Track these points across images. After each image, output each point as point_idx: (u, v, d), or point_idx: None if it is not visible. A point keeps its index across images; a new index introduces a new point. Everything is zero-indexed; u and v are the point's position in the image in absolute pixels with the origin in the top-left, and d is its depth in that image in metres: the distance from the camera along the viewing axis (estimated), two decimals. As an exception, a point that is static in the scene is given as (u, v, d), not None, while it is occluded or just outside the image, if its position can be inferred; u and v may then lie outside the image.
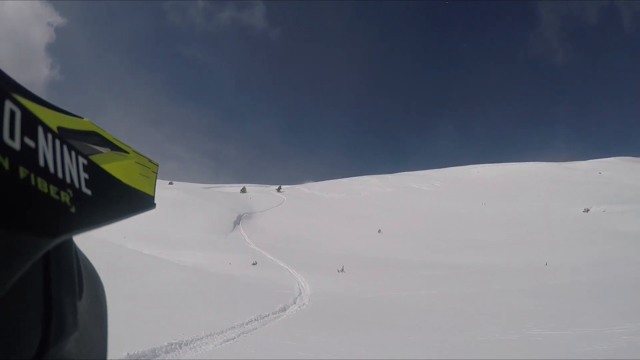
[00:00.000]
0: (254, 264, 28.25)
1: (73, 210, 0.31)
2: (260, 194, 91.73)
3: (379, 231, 46.46)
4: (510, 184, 78.99)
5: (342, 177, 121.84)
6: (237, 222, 54.19)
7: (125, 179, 0.47)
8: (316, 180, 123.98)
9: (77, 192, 0.33)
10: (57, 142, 0.32)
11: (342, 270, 26.11)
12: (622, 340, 7.34)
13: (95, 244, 32.79)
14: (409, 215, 57.36)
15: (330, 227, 50.85)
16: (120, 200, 0.44)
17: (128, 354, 5.70)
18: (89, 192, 0.35)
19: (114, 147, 0.51)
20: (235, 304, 13.21)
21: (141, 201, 0.50)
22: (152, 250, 32.42)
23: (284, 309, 12.92)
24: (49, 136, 0.30)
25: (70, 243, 0.42)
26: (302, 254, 34.32)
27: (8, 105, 0.26)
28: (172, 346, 6.68)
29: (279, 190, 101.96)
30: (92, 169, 0.37)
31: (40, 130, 0.29)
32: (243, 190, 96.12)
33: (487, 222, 48.29)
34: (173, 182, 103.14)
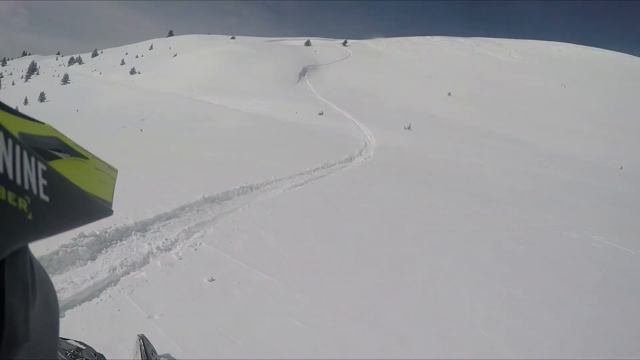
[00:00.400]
0: (320, 114, 28.37)
1: (30, 217, 0.31)
2: (325, 47, 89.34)
3: (449, 94, 44.75)
4: (594, 72, 70.83)
5: (411, 35, 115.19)
6: (303, 73, 53.69)
7: (83, 185, 0.45)
8: (383, 36, 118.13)
9: (35, 198, 0.32)
10: (17, 148, 0.31)
11: (409, 127, 25.77)
12: None
13: (165, 97, 33.99)
14: (481, 83, 54.26)
15: (398, 84, 49.46)
16: (78, 206, 0.42)
17: (203, 196, 5.93)
18: (46, 198, 0.34)
19: (73, 153, 0.50)
20: (302, 151, 13.52)
21: (99, 208, 0.48)
22: (220, 101, 33.17)
23: (350, 159, 13.05)
24: (10, 142, 0.30)
25: (26, 250, 0.40)
26: (369, 107, 33.98)
27: None
28: (244, 189, 6.92)
29: (344, 44, 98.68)
30: (51, 175, 0.36)
31: (0, 135, 0.29)
32: (307, 44, 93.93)
33: (563, 106, 44.87)
34: (235, 37, 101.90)
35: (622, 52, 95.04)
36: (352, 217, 6.16)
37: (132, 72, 62.64)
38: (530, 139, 27.88)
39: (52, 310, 0.50)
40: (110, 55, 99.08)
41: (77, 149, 0.51)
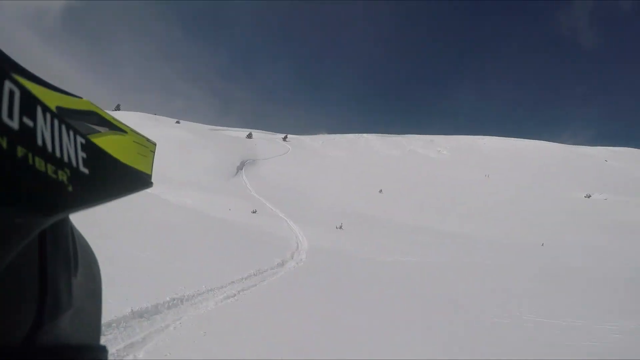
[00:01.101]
0: (254, 212, 28.42)
1: (70, 189, 0.32)
2: (265, 141, 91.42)
3: (380, 191, 46.59)
4: (516, 160, 78.48)
5: (348, 132, 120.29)
6: (241, 167, 54.20)
7: (122, 158, 0.47)
8: (321, 132, 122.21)
9: (75, 171, 0.33)
10: (56, 122, 0.32)
11: (341, 227, 26.31)
12: (612, 339, 7.48)
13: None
14: (412, 179, 57.40)
15: (332, 182, 50.95)
16: (118, 179, 0.44)
17: (132, 310, 5.79)
18: (86, 171, 0.35)
19: (112, 127, 0.52)
20: (234, 254, 13.34)
21: (138, 180, 0.51)
22: (154, 190, 32.65)
23: (282, 264, 13.09)
24: (48, 116, 0.31)
25: (67, 221, 0.42)
26: (302, 206, 34.55)
27: (7, 85, 0.26)
28: (174, 301, 6.78)
29: (285, 139, 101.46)
30: (90, 148, 0.37)
31: (39, 109, 0.29)
32: (249, 136, 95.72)
33: (488, 195, 48.35)
34: (180, 121, 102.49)
35: (538, 139, 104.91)
36: (286, 337, 6.18)
37: None
38: (457, 229, 29.38)
39: (95, 281, 0.54)
40: None
41: (115, 122, 0.54)
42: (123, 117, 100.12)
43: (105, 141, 0.47)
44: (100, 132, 0.48)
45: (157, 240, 13.40)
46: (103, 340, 3.26)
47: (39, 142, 0.29)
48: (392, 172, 62.91)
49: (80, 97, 0.47)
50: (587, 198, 48.41)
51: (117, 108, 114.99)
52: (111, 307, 5.71)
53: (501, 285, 12.77)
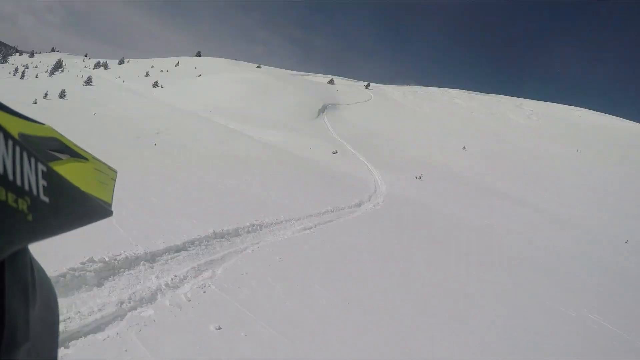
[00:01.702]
0: (334, 152, 28.48)
1: (30, 218, 0.31)
2: (347, 88, 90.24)
3: (464, 148, 44.96)
4: (613, 140, 70.74)
5: (432, 85, 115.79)
6: (322, 110, 54.16)
7: (83, 186, 0.46)
8: (404, 84, 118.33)
9: (35, 199, 0.32)
10: (17, 149, 0.31)
11: (420, 178, 25.77)
12: None
13: (183, 114, 34.32)
14: (497, 141, 54.53)
15: (414, 132, 49.65)
16: (78, 207, 0.43)
17: (214, 231, 5.91)
18: (46, 199, 0.34)
19: (73, 154, 0.51)
20: (313, 190, 13.54)
21: (98, 208, 0.49)
22: (238, 126, 33.40)
23: (359, 205, 13.01)
24: (10, 143, 0.30)
25: (26, 251, 0.41)
26: (382, 152, 34.11)
27: None
28: (254, 227, 6.90)
29: (367, 87, 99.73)
30: (51, 176, 0.36)
31: (0, 136, 0.29)
32: (331, 82, 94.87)
33: (578, 172, 44.71)
34: (261, 66, 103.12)
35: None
36: (357, 271, 6.13)
37: (155, 85, 63.30)
38: (540, 203, 27.74)
39: (52, 311, 0.51)
40: (136, 66, 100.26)
41: (76, 149, 0.51)
42: (205, 62, 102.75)
43: (67, 168, 0.47)
44: (61, 159, 0.48)
45: (241, 170, 13.76)
46: (187, 256, 3.24)
47: (0, 169, 0.28)
48: (476, 131, 60.07)
49: (43, 123, 0.46)
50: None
51: (198, 54, 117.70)
52: (195, 228, 5.87)
53: (577, 272, 11.90)
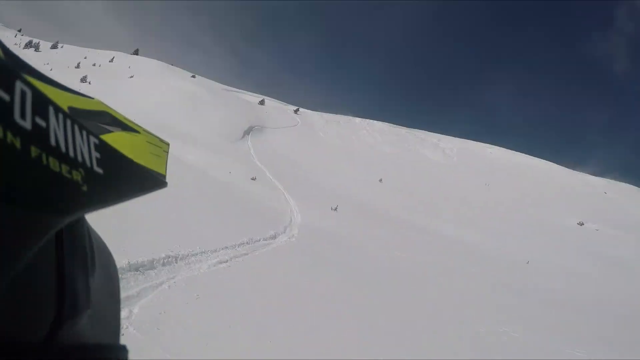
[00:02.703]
0: (253, 178, 28.41)
1: (85, 188, 0.32)
2: (277, 110, 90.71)
3: (380, 180, 46.60)
4: (519, 175, 78.24)
5: (357, 115, 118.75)
6: (248, 132, 54.00)
7: (136, 158, 0.46)
8: (331, 112, 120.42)
9: (89, 171, 0.33)
10: (68, 122, 0.32)
11: (336, 209, 26.33)
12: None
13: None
14: (413, 174, 57.38)
15: (333, 162, 50.91)
16: (132, 179, 0.43)
17: (129, 262, 5.87)
18: (100, 171, 0.35)
19: (124, 127, 0.52)
20: (229, 219, 13.47)
21: (152, 180, 0.50)
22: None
23: (274, 237, 13.18)
24: (60, 116, 0.31)
25: (83, 221, 0.43)
26: (301, 181, 34.54)
27: (19, 85, 0.26)
28: (169, 259, 6.89)
29: (296, 112, 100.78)
30: (104, 148, 0.37)
31: (51, 110, 0.29)
32: (262, 102, 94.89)
33: (486, 204, 48.47)
34: (196, 75, 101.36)
35: (545, 159, 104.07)
36: (276, 308, 6.30)
37: (83, 80, 59.48)
38: (450, 233, 29.50)
39: (111, 279, 0.55)
40: (69, 53, 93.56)
41: (128, 122, 0.54)
42: (140, 62, 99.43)
43: (118, 141, 0.47)
44: (112, 132, 0.49)
45: (158, 194, 13.41)
46: None
47: (52, 142, 0.29)
48: (394, 164, 62.90)
49: (92, 98, 0.47)
50: (579, 225, 48.71)
51: (136, 52, 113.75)
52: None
53: (483, 295, 12.99)
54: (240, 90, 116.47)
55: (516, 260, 24.06)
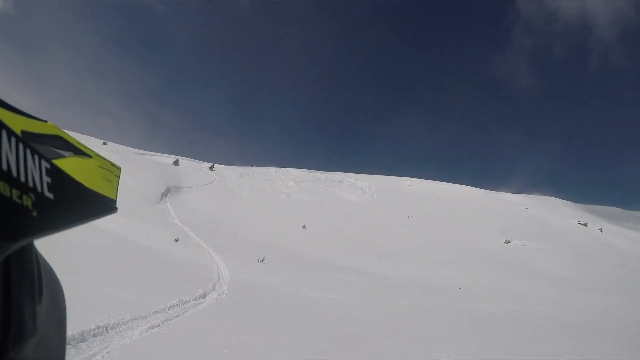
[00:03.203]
0: (176, 240, 27.83)
1: (35, 214, 0.31)
2: (192, 169, 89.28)
3: (304, 227, 47.00)
4: (439, 203, 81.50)
5: (271, 165, 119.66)
6: (165, 194, 52.79)
7: (87, 183, 0.48)
8: (246, 164, 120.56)
9: (40, 196, 0.32)
10: (21, 146, 0.31)
11: (263, 260, 26.33)
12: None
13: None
14: (335, 216, 58.34)
15: (255, 214, 50.79)
16: (82, 204, 0.44)
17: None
18: (51, 195, 0.34)
19: (76, 151, 0.53)
20: (156, 282, 13.22)
21: (103, 205, 0.52)
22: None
23: (204, 295, 13.09)
24: (13, 140, 0.30)
25: (31, 247, 0.43)
26: (225, 236, 34.23)
27: None
28: (100, 329, 6.80)
29: (211, 168, 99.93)
30: (55, 172, 0.37)
31: (3, 133, 0.29)
32: (176, 163, 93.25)
33: (410, 236, 50.11)
34: (107, 142, 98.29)
35: (463, 184, 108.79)
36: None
37: None
38: (377, 269, 30.07)
39: (59, 306, 0.56)
40: None
41: (80, 147, 0.53)
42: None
43: (70, 166, 0.47)
44: (64, 156, 0.49)
45: (78, 264, 13.02)
46: None
47: (4, 166, 0.28)
48: (315, 209, 63.66)
49: (45, 121, 0.48)
50: (506, 244, 51.36)
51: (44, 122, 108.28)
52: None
53: (418, 325, 13.51)
54: (153, 153, 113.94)
55: (448, 286, 25.01)
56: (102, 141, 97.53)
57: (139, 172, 59.52)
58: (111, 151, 74.51)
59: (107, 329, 6.97)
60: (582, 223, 75.50)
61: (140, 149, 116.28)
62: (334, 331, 11.19)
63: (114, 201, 0.58)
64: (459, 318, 15.52)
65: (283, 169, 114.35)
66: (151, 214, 38.76)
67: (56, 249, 13.86)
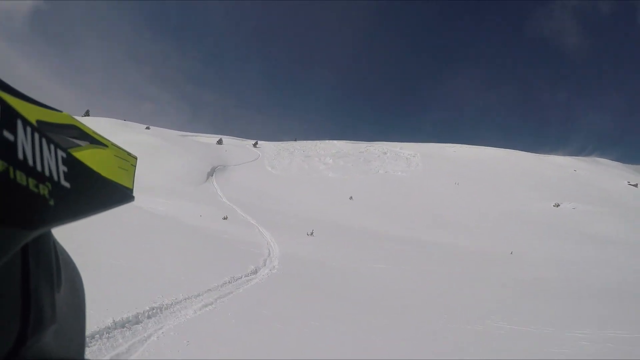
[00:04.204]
0: (225, 218, 28.26)
1: (52, 203, 0.31)
2: (236, 147, 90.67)
3: (351, 198, 46.87)
4: (486, 168, 79.72)
5: (317, 138, 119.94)
6: (211, 173, 53.73)
7: (103, 172, 0.47)
8: (291, 139, 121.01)
9: (56, 185, 0.33)
10: (36, 136, 0.31)
11: (312, 234, 26.39)
12: (582, 346, 7.79)
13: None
14: (382, 186, 57.87)
15: (302, 188, 51.03)
16: (99, 193, 0.43)
17: (113, 320, 5.74)
18: (67, 185, 0.35)
19: (92, 141, 0.52)
20: (208, 261, 13.31)
21: (119, 194, 0.51)
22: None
23: (255, 272, 13.09)
24: (28, 129, 0.30)
25: (49, 235, 0.42)
26: (273, 212, 34.50)
27: None
28: (154, 310, 6.75)
29: (255, 145, 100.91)
30: (71, 162, 0.37)
31: (19, 123, 0.29)
32: (219, 142, 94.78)
33: (458, 203, 49.15)
34: (150, 127, 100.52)
35: (509, 148, 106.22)
36: (267, 343, 6.24)
37: None
38: (428, 238, 29.76)
39: (77, 293, 0.55)
40: None
41: (96, 136, 0.54)
42: (93, 123, 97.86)
43: (86, 155, 0.47)
44: (81, 145, 0.49)
45: (132, 247, 13.21)
46: (88, 353, 3.26)
47: (20, 155, 0.28)
48: (362, 179, 63.32)
49: (61, 111, 0.47)
50: (555, 207, 49.73)
51: (87, 114, 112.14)
52: (92, 318, 5.65)
53: (472, 293, 13.09)
54: (196, 134, 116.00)
55: (499, 253, 24.40)
56: (145, 126, 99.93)
57: (184, 153, 60.79)
58: (155, 135, 76.45)
59: (161, 310, 6.93)
60: (633, 184, 72.05)
61: (183, 130, 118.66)
62: (392, 304, 10.95)
63: (131, 190, 0.58)
64: (513, 285, 15.04)
65: (327, 141, 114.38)
66: (198, 193, 39.52)
67: (108, 231, 14.19)
